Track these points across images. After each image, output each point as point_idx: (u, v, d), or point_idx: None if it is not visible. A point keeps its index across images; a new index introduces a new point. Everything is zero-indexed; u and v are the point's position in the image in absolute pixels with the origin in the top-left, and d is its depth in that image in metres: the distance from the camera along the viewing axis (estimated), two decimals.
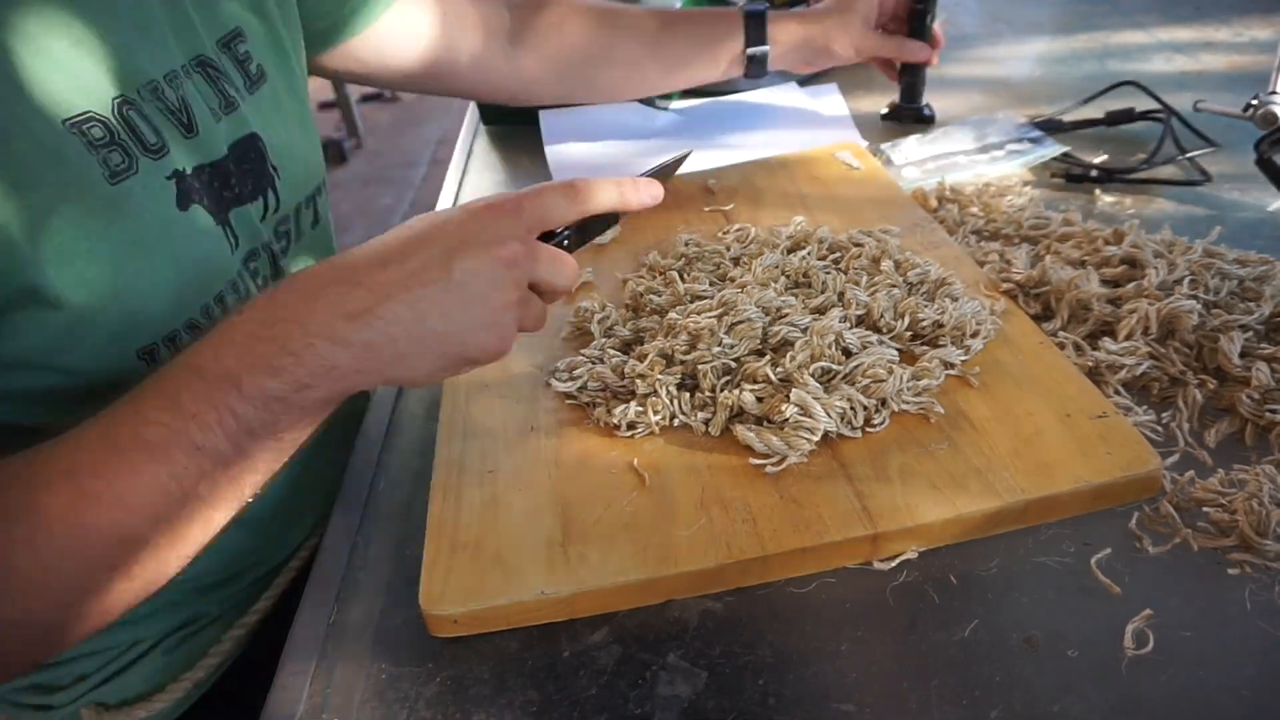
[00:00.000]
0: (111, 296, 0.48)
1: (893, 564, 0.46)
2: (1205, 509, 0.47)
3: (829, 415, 0.51)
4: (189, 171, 0.53)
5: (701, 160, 0.88)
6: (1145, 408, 0.53)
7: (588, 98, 0.91)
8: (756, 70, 0.86)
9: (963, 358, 0.55)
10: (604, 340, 0.62)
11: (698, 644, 0.44)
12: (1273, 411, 0.50)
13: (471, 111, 1.18)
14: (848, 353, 0.56)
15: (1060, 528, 0.47)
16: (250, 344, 0.42)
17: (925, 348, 0.57)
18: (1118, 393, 0.54)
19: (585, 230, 0.52)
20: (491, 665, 0.45)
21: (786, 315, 0.58)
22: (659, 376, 0.55)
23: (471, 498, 0.52)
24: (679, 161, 0.62)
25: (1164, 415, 0.53)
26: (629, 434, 0.54)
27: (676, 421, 0.55)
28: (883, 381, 0.52)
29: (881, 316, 0.58)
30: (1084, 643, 0.41)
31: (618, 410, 0.55)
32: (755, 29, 0.85)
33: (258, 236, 0.59)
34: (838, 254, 0.67)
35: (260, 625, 0.67)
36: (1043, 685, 0.40)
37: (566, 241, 0.51)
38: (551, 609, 0.46)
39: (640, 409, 0.54)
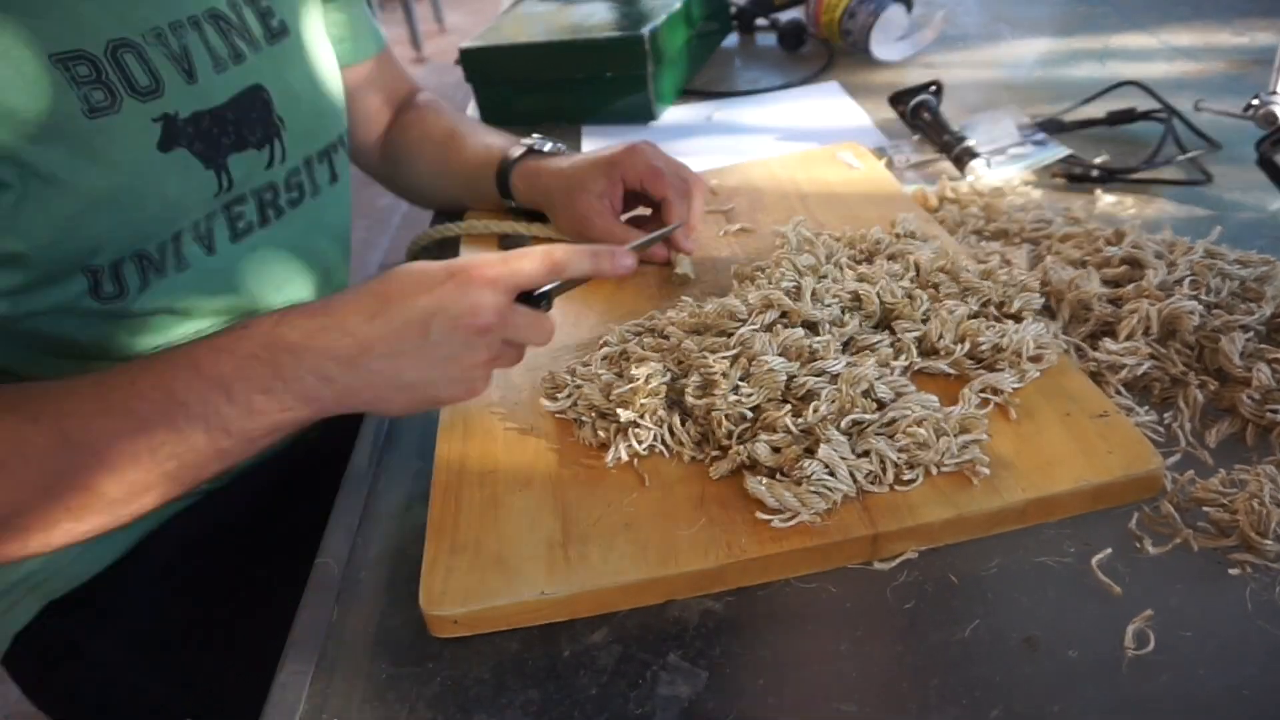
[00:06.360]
0: (69, 220, 0.54)
1: (893, 564, 0.46)
2: (1206, 509, 0.47)
3: (854, 478, 0.47)
4: (185, 115, 0.59)
5: (717, 161, 0.89)
6: (1146, 408, 0.53)
7: (393, 191, 0.96)
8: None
9: (1016, 385, 0.52)
10: (597, 356, 0.60)
11: (698, 644, 0.44)
12: (1274, 412, 0.50)
13: (471, 111, 1.18)
14: (881, 403, 0.51)
15: (1061, 528, 0.47)
16: (248, 361, 0.47)
17: (981, 371, 0.54)
18: (1119, 393, 0.54)
19: (567, 283, 0.55)
20: (492, 665, 0.45)
21: (818, 358, 0.53)
22: (643, 400, 0.53)
23: (471, 498, 0.52)
24: (667, 233, 0.67)
25: (1165, 415, 0.53)
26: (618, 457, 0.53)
27: (669, 446, 0.52)
28: (926, 447, 0.48)
29: (940, 339, 0.55)
30: (1084, 643, 0.41)
31: (609, 454, 0.52)
32: (502, 177, 0.80)
33: (255, 182, 0.65)
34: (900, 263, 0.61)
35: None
36: (1043, 685, 0.40)
37: (547, 298, 0.54)
38: (552, 609, 0.46)
39: (627, 444, 0.52)
